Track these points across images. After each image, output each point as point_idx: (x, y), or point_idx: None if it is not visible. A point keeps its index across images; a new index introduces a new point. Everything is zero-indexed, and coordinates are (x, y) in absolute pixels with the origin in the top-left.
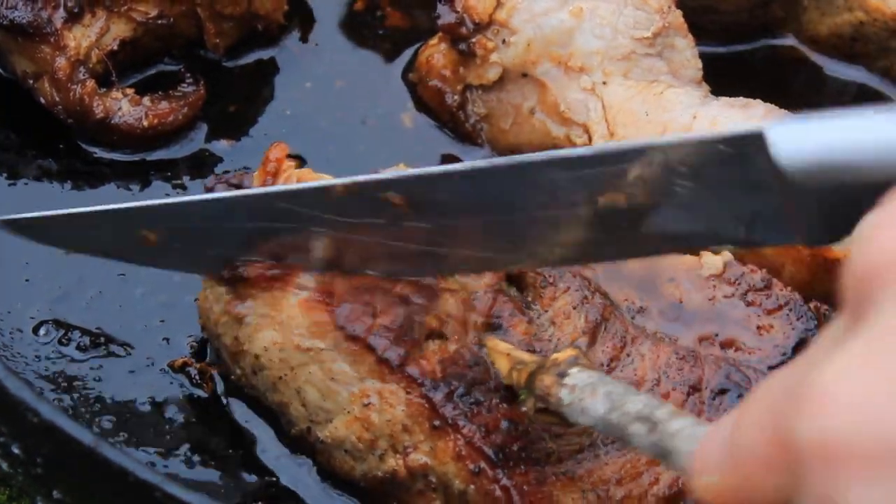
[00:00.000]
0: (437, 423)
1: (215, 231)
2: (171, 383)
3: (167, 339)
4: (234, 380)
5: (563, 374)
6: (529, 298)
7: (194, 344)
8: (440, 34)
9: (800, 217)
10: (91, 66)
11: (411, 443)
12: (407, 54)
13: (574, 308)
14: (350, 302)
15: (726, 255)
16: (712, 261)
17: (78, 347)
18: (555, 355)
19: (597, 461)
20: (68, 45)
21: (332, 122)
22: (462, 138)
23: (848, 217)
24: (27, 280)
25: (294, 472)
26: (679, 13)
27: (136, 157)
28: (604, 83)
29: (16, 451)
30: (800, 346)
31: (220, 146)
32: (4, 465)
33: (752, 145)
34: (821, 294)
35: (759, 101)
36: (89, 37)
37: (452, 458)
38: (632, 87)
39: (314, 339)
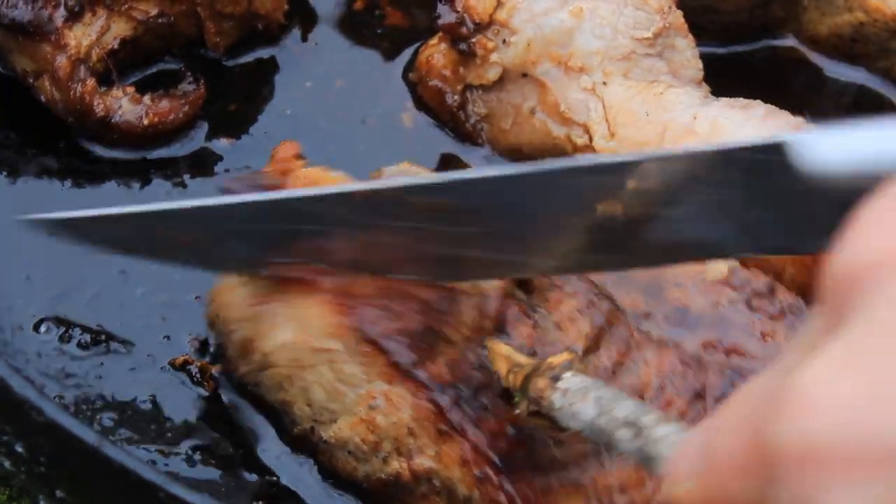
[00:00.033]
0: (443, 427)
1: (254, 232)
2: (172, 381)
3: (168, 337)
4: (237, 377)
5: (556, 378)
6: (535, 301)
7: (195, 342)
8: (440, 34)
9: (817, 227)
10: (91, 64)
11: (416, 446)
12: (407, 54)
13: (580, 312)
14: (371, 306)
15: (731, 260)
16: (717, 266)
17: (79, 345)
18: (550, 359)
19: (601, 468)
20: (69, 43)
21: (332, 122)
22: (462, 138)
23: None
24: (28, 277)
25: (295, 472)
26: (679, 13)
27: (136, 156)
28: (604, 83)
29: (20, 449)
30: None
31: (221, 145)
32: (7, 464)
33: (776, 155)
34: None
35: (759, 102)
36: (90, 35)
37: (458, 463)
38: (632, 88)
39: (329, 340)
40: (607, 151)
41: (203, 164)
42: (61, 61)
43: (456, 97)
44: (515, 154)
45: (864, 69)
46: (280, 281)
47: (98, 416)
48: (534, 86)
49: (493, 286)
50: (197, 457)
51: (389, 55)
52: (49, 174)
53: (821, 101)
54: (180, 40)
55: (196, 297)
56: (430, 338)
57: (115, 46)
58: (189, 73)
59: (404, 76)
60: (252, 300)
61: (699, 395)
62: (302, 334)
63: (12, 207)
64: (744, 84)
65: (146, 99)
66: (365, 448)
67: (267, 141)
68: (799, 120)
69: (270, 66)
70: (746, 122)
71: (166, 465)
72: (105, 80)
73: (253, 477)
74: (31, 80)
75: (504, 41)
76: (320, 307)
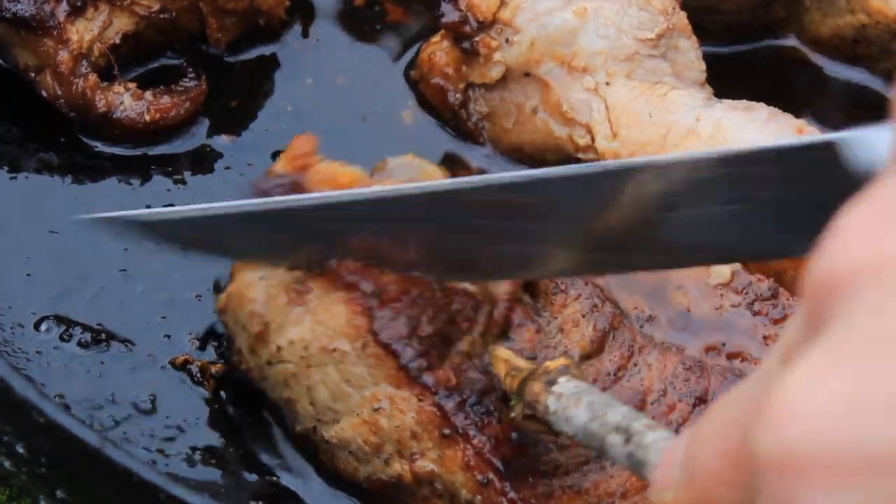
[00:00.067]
0: (447, 431)
1: (324, 230)
2: (173, 381)
3: (168, 336)
4: (242, 370)
5: (551, 382)
6: (540, 305)
7: (195, 341)
8: (443, 32)
9: None
10: (93, 59)
11: (419, 449)
12: (409, 51)
13: (583, 316)
14: (390, 309)
15: (734, 263)
16: (720, 269)
17: (79, 344)
18: (546, 363)
19: (602, 473)
20: (71, 38)
21: (333, 119)
22: (463, 137)
23: None
24: (28, 275)
25: (295, 472)
26: (683, 15)
27: (137, 152)
28: (607, 84)
29: (20, 450)
30: None
31: (221, 141)
32: (7, 464)
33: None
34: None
35: (762, 105)
36: (92, 30)
37: (461, 467)
38: (635, 88)
39: (342, 341)
40: (610, 152)
41: (204, 160)
42: (63, 56)
43: (458, 95)
44: (517, 153)
45: (865, 70)
46: (329, 277)
47: (98, 416)
48: (536, 85)
49: (503, 291)
50: (197, 457)
51: (391, 52)
52: (50, 169)
53: (822, 102)
54: (182, 36)
55: (197, 296)
56: (443, 345)
57: (117, 41)
58: (190, 69)
59: (406, 74)
60: (294, 291)
61: (702, 400)
62: (317, 332)
63: (13, 203)
64: (745, 84)
65: (148, 95)
66: (367, 449)
67: (268, 138)
68: (801, 122)
69: (271, 63)
70: (749, 124)
71: (166, 465)
72: (107, 75)
73: (253, 477)
74: (32, 75)
75: (507, 40)
76: (341, 306)
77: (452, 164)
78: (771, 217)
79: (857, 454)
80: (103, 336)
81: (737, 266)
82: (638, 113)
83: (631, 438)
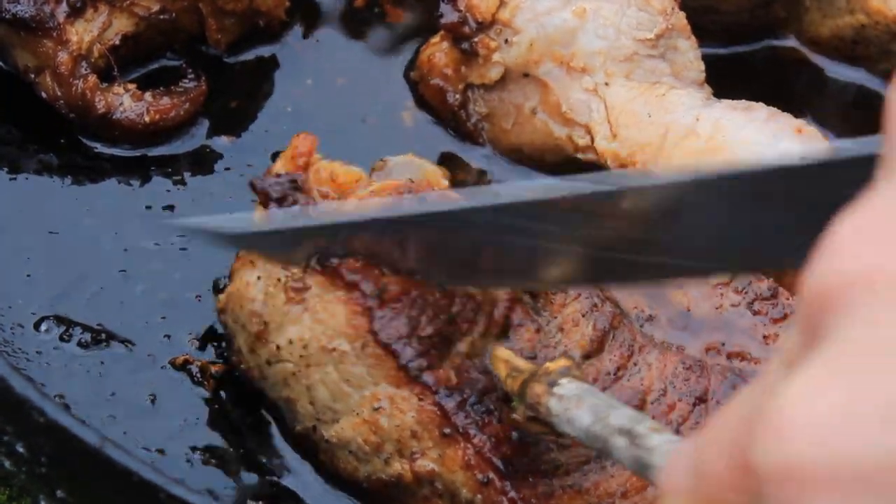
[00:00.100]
0: (447, 430)
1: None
2: (172, 381)
3: (168, 336)
4: (242, 370)
5: (553, 384)
6: (540, 304)
7: (195, 341)
8: (442, 32)
9: None
10: (93, 60)
11: (419, 449)
12: (408, 52)
13: (583, 316)
14: (393, 311)
15: None
16: None
17: (79, 344)
18: (547, 364)
19: (603, 473)
20: (70, 39)
21: (333, 119)
22: (463, 137)
23: None
24: (28, 276)
25: (295, 472)
26: (682, 15)
27: (137, 153)
28: (606, 84)
29: (20, 449)
30: None
31: (221, 142)
32: (7, 464)
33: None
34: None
35: (761, 105)
36: (91, 31)
37: (461, 466)
38: (634, 89)
39: (341, 340)
40: (609, 152)
41: (204, 161)
42: (63, 57)
43: (457, 96)
44: (516, 154)
45: (864, 70)
46: (331, 275)
47: (98, 416)
48: (536, 86)
49: (503, 292)
50: (197, 457)
51: (391, 53)
52: (50, 171)
53: (821, 102)
54: (182, 37)
55: (197, 296)
56: (443, 345)
57: (117, 42)
58: (190, 70)
59: (405, 74)
60: (291, 288)
61: (701, 399)
62: (316, 331)
63: (13, 204)
64: (745, 84)
65: (147, 96)
66: (367, 448)
67: (268, 138)
68: (800, 122)
69: (271, 64)
70: (748, 124)
71: (166, 464)
72: (106, 76)
73: (253, 477)
74: (32, 76)
75: (506, 41)
76: (340, 305)
77: (452, 164)
78: (784, 230)
79: (854, 466)
80: (103, 336)
81: None
82: (637, 113)
83: (635, 441)
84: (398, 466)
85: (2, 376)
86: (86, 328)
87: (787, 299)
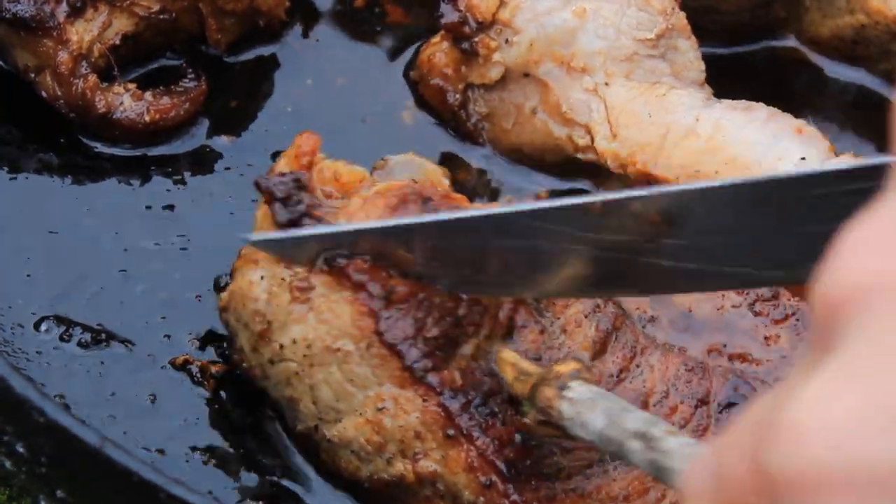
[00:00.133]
0: (451, 432)
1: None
2: (173, 381)
3: (168, 336)
4: (244, 368)
5: (564, 387)
6: (542, 306)
7: (195, 341)
8: (442, 32)
9: None
10: (93, 60)
11: (422, 450)
12: (408, 52)
13: (586, 317)
14: (399, 312)
15: None
16: None
17: (79, 344)
18: (557, 368)
19: (605, 477)
20: (70, 39)
21: (333, 119)
22: (463, 137)
23: None
24: (28, 276)
25: (296, 472)
26: (682, 15)
27: (137, 152)
28: (606, 84)
29: (20, 449)
30: None
31: (221, 142)
32: (8, 464)
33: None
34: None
35: (761, 105)
36: (91, 31)
37: (464, 468)
38: (634, 89)
39: (346, 341)
40: (609, 152)
41: (204, 161)
42: (63, 57)
43: (457, 96)
44: (516, 154)
45: (864, 70)
46: (336, 275)
47: (98, 416)
48: (536, 86)
49: None
50: (197, 457)
51: (391, 53)
52: (50, 170)
53: (821, 102)
54: (182, 36)
55: (197, 296)
56: (448, 347)
57: (117, 42)
58: (190, 70)
59: (405, 74)
60: (274, 295)
61: (703, 402)
62: (320, 331)
63: (13, 203)
64: (745, 84)
65: (147, 95)
66: (369, 448)
67: (268, 138)
68: (801, 122)
69: (271, 64)
70: (749, 124)
71: (166, 465)
72: (106, 76)
73: (253, 477)
74: (32, 76)
75: (506, 40)
76: (346, 306)
77: (452, 164)
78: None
79: (869, 470)
80: (103, 336)
81: None
82: (637, 113)
83: (651, 444)
84: (400, 467)
85: (2, 376)
86: (86, 328)
87: (789, 300)
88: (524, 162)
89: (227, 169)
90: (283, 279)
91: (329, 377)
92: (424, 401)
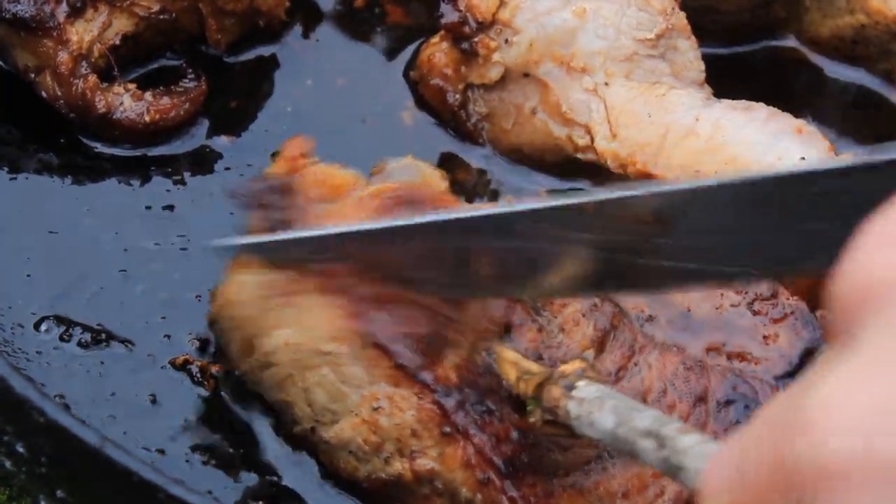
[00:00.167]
0: (447, 429)
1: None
2: (173, 381)
3: (168, 336)
4: (238, 375)
5: (570, 387)
6: (540, 304)
7: (195, 341)
8: (442, 32)
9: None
10: (93, 60)
11: (419, 448)
12: (408, 52)
13: (583, 315)
14: (379, 311)
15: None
16: None
17: (79, 344)
18: (562, 367)
19: (604, 473)
20: (70, 39)
21: (333, 120)
22: (463, 137)
23: None
24: (28, 276)
25: (295, 472)
26: (682, 15)
27: (137, 153)
28: (606, 84)
29: (20, 449)
30: (805, 355)
31: (221, 142)
32: (8, 464)
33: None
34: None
35: (761, 105)
36: (91, 31)
37: (461, 465)
38: (634, 89)
39: (334, 344)
40: (609, 152)
41: (203, 161)
42: (63, 57)
43: (457, 96)
44: (516, 154)
45: (864, 70)
46: (312, 280)
47: (98, 416)
48: (536, 86)
49: None
50: (197, 457)
51: (390, 53)
52: (50, 170)
53: (821, 102)
54: (182, 37)
55: (196, 296)
56: (437, 342)
57: (117, 42)
58: (190, 70)
59: (405, 74)
60: (261, 299)
61: (701, 399)
62: (305, 336)
63: (13, 203)
64: (745, 84)
65: (147, 95)
66: (367, 448)
67: (267, 138)
68: (801, 122)
69: (271, 64)
70: (748, 124)
71: (166, 465)
72: (106, 76)
73: (253, 477)
74: (32, 76)
75: (506, 41)
76: (328, 310)
77: (452, 164)
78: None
79: (888, 461)
80: (103, 336)
81: None
82: (637, 113)
83: (664, 443)
84: (398, 466)
85: (2, 376)
86: (86, 328)
87: (787, 299)
88: (524, 162)
89: (227, 169)
90: (267, 284)
91: (322, 379)
92: (419, 398)
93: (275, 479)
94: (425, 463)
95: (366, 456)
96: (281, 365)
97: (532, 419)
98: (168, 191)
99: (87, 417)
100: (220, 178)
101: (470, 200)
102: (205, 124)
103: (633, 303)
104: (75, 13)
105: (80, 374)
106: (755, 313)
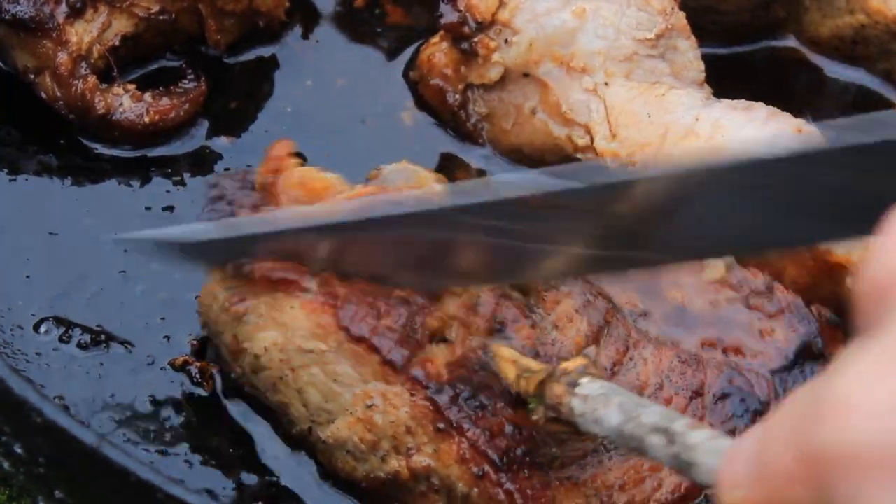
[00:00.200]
0: (441, 425)
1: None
2: (172, 382)
3: (168, 337)
4: (234, 378)
5: (573, 384)
6: (532, 301)
7: (195, 342)
8: (442, 33)
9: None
10: (93, 61)
11: (415, 444)
12: (408, 52)
13: (577, 312)
14: (354, 303)
15: (728, 258)
16: (714, 265)
17: (79, 345)
18: (564, 364)
19: (600, 466)
20: (70, 40)
21: (333, 120)
22: (463, 137)
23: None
24: (28, 277)
25: (294, 472)
26: (682, 15)
27: (136, 154)
28: (606, 84)
29: (18, 450)
30: (801, 350)
31: (221, 143)
32: (6, 465)
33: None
34: (822, 298)
35: (760, 104)
36: (91, 32)
37: (456, 460)
38: (634, 89)
39: (316, 342)
40: (609, 152)
41: (203, 161)
42: (62, 58)
43: (457, 96)
44: (516, 154)
45: (864, 71)
46: (262, 279)
47: (98, 417)
48: (535, 86)
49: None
50: (196, 457)
51: (390, 54)
52: (49, 171)
53: (821, 102)
54: (181, 37)
55: (196, 297)
56: (418, 332)
57: (117, 43)
58: (190, 71)
59: (405, 75)
60: (230, 299)
61: (698, 394)
62: (288, 335)
63: (13, 204)
64: (745, 84)
65: (147, 96)
66: (363, 447)
67: (267, 139)
68: (800, 121)
69: (271, 64)
70: (748, 124)
71: (166, 465)
72: (106, 77)
73: (253, 477)
74: (32, 77)
75: (506, 41)
76: (303, 307)
77: (451, 164)
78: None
79: None
80: (103, 337)
81: (731, 261)
82: (637, 113)
83: (673, 439)
84: (395, 463)
85: (1, 377)
86: (85, 329)
87: (783, 294)
88: (524, 162)
89: (227, 170)
90: (230, 289)
91: (314, 379)
92: (412, 395)
93: (274, 479)
94: (421, 460)
95: (363, 455)
96: (272, 367)
97: (535, 417)
98: (168, 191)
99: (86, 418)
100: (210, 178)
101: None
102: (204, 125)
103: (627, 298)
104: (75, 14)
105: (80, 375)
106: (750, 308)
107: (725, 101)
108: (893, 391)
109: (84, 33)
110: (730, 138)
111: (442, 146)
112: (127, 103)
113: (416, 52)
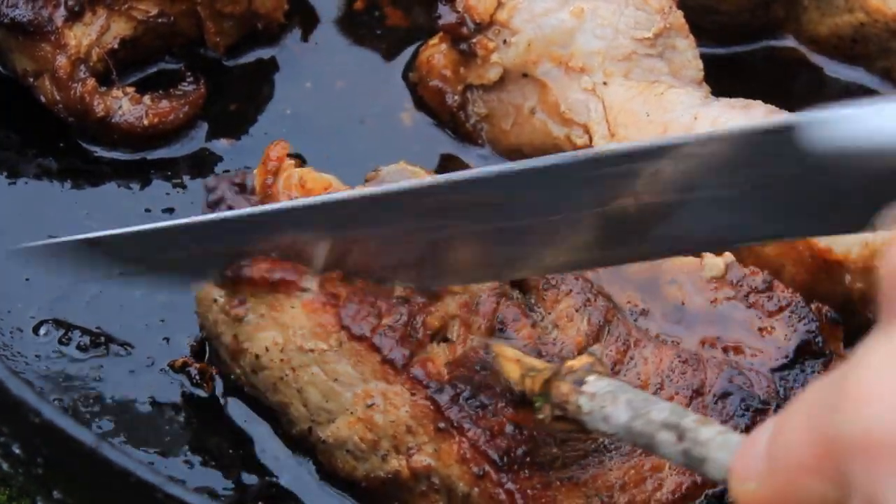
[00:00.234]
0: (441, 425)
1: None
2: (172, 383)
3: (167, 339)
4: (233, 379)
5: (580, 382)
6: (532, 301)
7: (194, 344)
8: (441, 34)
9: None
10: (91, 64)
11: (415, 444)
12: (407, 54)
13: (577, 311)
14: (355, 303)
15: (728, 256)
16: (714, 262)
17: (78, 347)
18: (569, 362)
19: (601, 466)
20: (69, 43)
21: (332, 122)
22: (462, 138)
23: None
24: (27, 279)
25: (294, 472)
26: (680, 14)
27: (136, 156)
28: (604, 83)
29: (17, 451)
30: (801, 347)
31: (220, 145)
32: (5, 466)
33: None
34: (822, 295)
35: (759, 102)
36: (90, 35)
37: (457, 460)
38: (633, 88)
39: (317, 341)
40: None
41: (203, 164)
42: (61, 61)
43: (456, 97)
44: (515, 154)
45: (863, 69)
46: (259, 280)
47: (97, 418)
48: (534, 86)
49: (483, 286)
50: (196, 458)
51: (389, 55)
52: (49, 174)
53: (820, 101)
54: (180, 40)
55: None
56: (418, 331)
57: (116, 46)
58: (189, 73)
59: (404, 76)
60: (229, 300)
61: (698, 393)
62: (287, 335)
63: (13, 207)
64: (744, 84)
65: (146, 99)
66: (363, 447)
67: (267, 141)
68: None
69: (270, 66)
70: (748, 122)
71: (165, 466)
72: (105, 80)
73: (252, 478)
74: (31, 80)
75: (505, 41)
76: (304, 307)
77: (451, 165)
78: (718, 204)
79: None
80: (102, 339)
81: (730, 258)
82: (635, 112)
83: (684, 435)
84: (395, 463)
85: (0, 379)
86: (85, 331)
87: (782, 292)
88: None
89: (227, 172)
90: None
91: (314, 378)
92: (412, 395)
93: (273, 479)
94: (422, 459)
95: (363, 454)
96: (272, 366)
97: (541, 416)
98: (167, 194)
99: (86, 420)
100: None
101: None
102: (204, 127)
103: (627, 297)
104: (73, 17)
105: (79, 377)
106: (750, 306)
107: (724, 100)
108: None
109: (83, 36)
110: None
111: (441, 147)
112: (126, 106)
113: (415, 54)
